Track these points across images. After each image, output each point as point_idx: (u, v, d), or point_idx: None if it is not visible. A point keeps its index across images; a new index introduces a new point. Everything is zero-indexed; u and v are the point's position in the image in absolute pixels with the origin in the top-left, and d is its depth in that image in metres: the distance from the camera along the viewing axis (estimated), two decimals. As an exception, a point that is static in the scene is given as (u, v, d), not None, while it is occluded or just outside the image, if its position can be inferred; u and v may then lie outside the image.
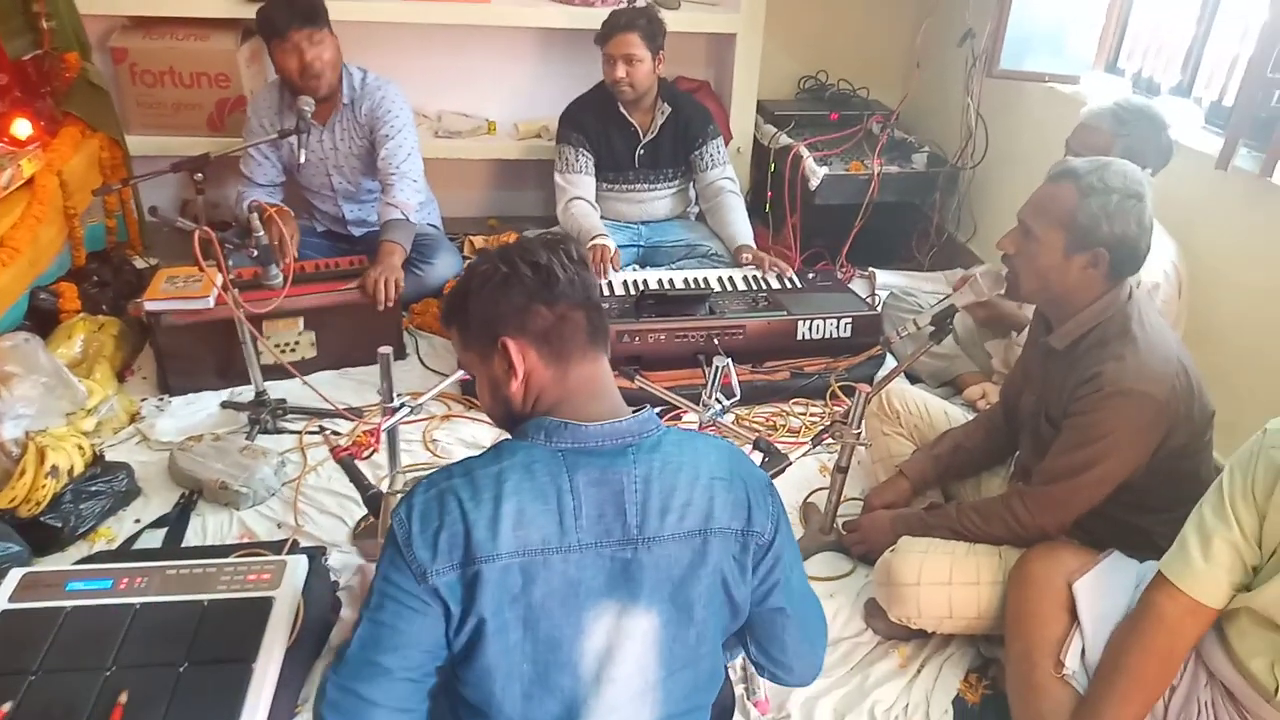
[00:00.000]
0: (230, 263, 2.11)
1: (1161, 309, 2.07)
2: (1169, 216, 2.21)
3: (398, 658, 1.03)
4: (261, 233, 2.15)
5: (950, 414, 2.14)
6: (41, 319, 2.48)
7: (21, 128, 2.61)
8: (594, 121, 2.99)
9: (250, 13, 2.86)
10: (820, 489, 2.23)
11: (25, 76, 2.75)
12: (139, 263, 2.95)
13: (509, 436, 1.14)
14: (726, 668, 1.55)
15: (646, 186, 3.11)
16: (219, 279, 2.11)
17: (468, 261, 2.99)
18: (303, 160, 2.46)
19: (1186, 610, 1.34)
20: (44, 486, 1.92)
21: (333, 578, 1.87)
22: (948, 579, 1.69)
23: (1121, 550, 1.62)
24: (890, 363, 2.73)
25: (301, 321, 2.52)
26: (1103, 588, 1.55)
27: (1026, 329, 1.98)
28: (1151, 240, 1.57)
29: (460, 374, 1.95)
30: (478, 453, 1.12)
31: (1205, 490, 1.38)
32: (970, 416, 2.14)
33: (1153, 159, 2.08)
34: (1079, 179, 1.55)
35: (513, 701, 1.06)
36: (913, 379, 2.64)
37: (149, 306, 2.39)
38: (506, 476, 1.04)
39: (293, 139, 2.30)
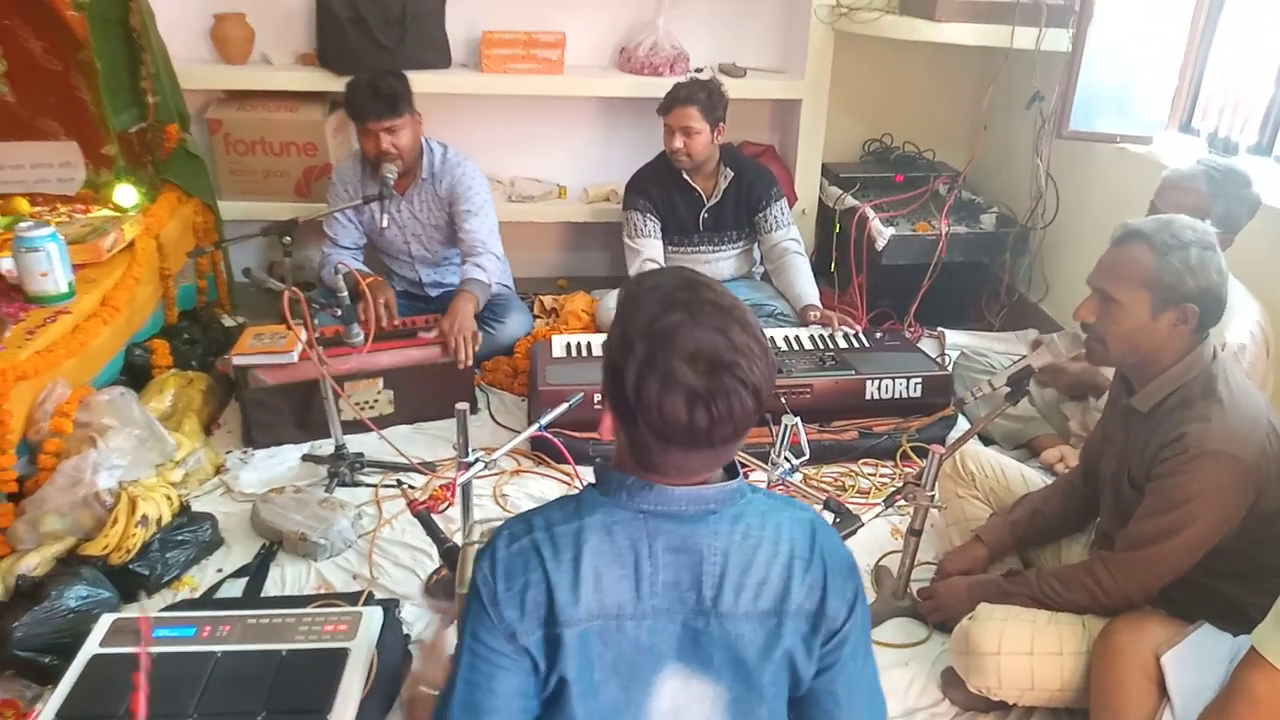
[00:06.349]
0: (315, 321, 2.20)
1: (1249, 370, 2.01)
2: (1251, 277, 2.16)
3: (500, 716, 1.04)
4: (345, 293, 2.24)
5: (1027, 477, 2.10)
6: (135, 374, 2.59)
7: (126, 196, 2.78)
8: (659, 188, 3.06)
9: (337, 85, 3.01)
10: (892, 552, 2.19)
11: (131, 148, 2.94)
12: (227, 321, 3.06)
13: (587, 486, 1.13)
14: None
15: (711, 249, 3.16)
16: (304, 336, 2.19)
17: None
18: (385, 225, 2.56)
19: None
20: (134, 535, 1.99)
21: (405, 630, 1.89)
22: (1029, 649, 1.64)
23: (1211, 622, 1.56)
24: (962, 424, 2.69)
25: (381, 381, 2.60)
26: (1194, 661, 1.48)
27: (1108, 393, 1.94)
28: (1229, 288, 1.56)
29: (533, 429, 1.98)
30: (556, 500, 1.12)
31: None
32: (1048, 480, 2.09)
33: (1245, 217, 2.07)
34: (1151, 237, 1.54)
35: None
36: (986, 441, 2.59)
37: (237, 361, 2.49)
38: (586, 537, 1.04)
39: (374, 205, 2.40)
